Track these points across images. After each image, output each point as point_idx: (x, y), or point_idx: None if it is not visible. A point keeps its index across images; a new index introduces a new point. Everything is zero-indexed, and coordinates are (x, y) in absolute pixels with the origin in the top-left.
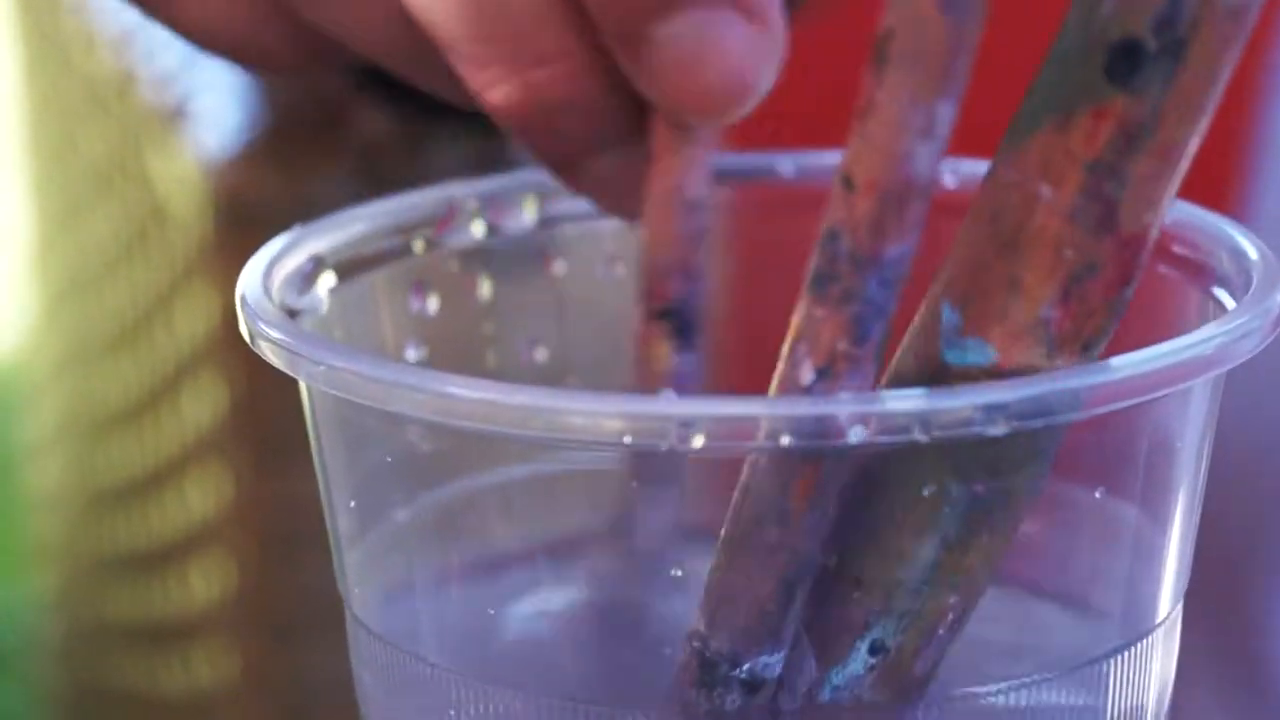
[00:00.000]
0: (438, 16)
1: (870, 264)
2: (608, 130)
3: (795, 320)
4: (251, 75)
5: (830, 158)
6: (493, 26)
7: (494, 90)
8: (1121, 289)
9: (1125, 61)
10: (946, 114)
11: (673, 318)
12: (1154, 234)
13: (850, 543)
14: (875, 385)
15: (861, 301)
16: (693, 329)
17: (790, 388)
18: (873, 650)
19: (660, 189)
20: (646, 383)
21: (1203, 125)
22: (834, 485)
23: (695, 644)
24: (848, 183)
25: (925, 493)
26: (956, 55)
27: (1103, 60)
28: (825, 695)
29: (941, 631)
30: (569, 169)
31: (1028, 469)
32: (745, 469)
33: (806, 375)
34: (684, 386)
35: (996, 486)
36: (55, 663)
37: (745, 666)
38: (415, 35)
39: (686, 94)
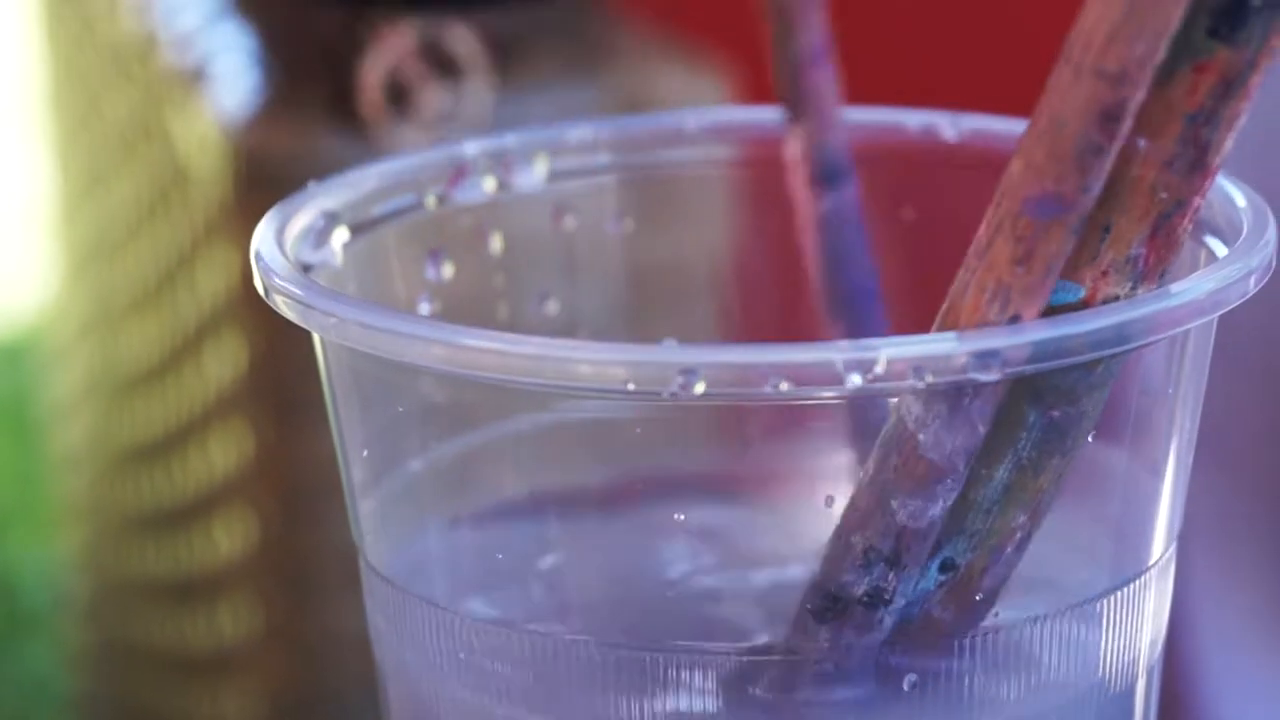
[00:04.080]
0: None
1: None
2: None
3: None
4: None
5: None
6: None
7: None
8: (1196, 217)
9: (1230, 20)
10: None
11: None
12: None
13: None
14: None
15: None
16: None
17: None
18: (943, 568)
19: None
20: None
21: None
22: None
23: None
24: None
25: (1003, 419)
26: None
27: (1206, 22)
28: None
29: (1009, 550)
30: None
31: (1097, 393)
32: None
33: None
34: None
35: (1071, 411)
36: (82, 621)
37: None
38: None
39: None
